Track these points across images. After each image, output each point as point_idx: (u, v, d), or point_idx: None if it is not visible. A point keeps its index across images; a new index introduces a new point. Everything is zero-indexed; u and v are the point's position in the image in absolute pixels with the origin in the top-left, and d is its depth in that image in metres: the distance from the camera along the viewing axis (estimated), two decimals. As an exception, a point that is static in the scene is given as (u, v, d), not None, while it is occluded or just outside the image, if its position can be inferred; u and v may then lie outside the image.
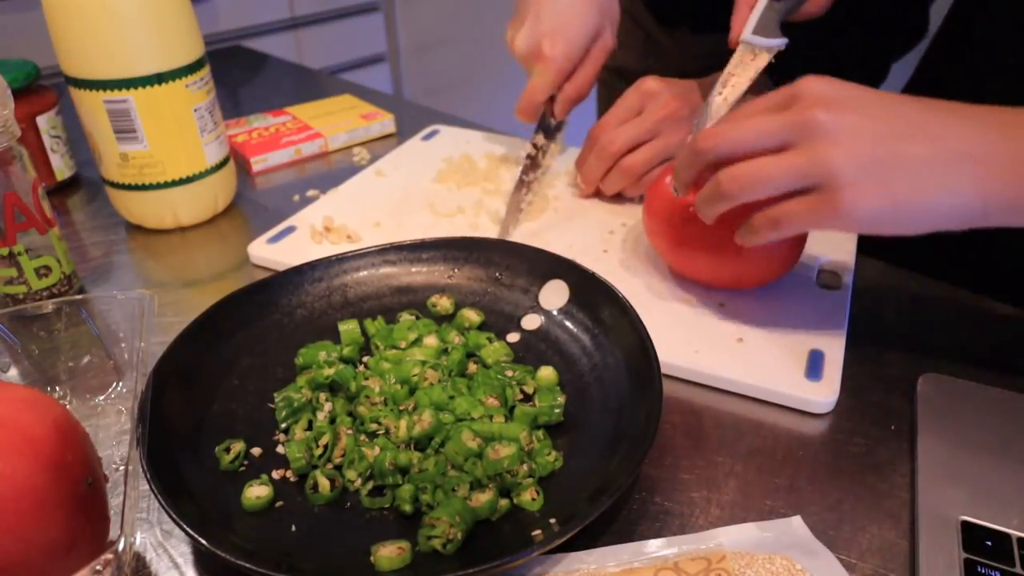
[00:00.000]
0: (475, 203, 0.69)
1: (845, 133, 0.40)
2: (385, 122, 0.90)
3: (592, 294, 0.50)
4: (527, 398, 0.46)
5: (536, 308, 0.52)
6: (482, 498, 0.39)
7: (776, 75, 0.62)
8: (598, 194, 0.70)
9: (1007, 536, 0.37)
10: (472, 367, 0.48)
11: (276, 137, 0.84)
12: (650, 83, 0.66)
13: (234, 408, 0.46)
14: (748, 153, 0.44)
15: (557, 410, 0.44)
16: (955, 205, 0.40)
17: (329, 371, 0.46)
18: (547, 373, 0.47)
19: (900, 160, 0.40)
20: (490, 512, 0.39)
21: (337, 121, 0.89)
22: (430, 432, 0.42)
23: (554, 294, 0.52)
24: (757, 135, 0.43)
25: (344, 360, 0.49)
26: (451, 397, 0.45)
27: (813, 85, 0.42)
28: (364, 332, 0.51)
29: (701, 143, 0.45)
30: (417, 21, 2.19)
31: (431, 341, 0.49)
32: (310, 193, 0.75)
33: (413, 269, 0.55)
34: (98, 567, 0.31)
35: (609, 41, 0.67)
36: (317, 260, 0.54)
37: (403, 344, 0.49)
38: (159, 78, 0.62)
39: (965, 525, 0.38)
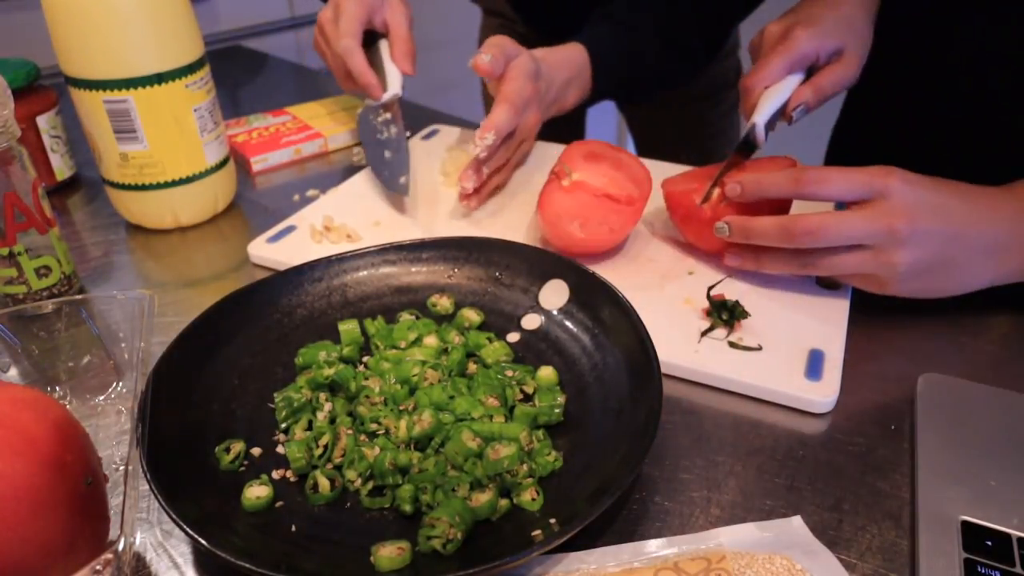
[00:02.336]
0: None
1: (914, 242, 0.48)
2: (385, 122, 0.89)
3: (592, 294, 0.50)
4: (527, 398, 0.46)
5: (536, 308, 0.52)
6: (482, 498, 0.39)
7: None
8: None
9: (1007, 536, 0.37)
10: (472, 367, 0.48)
11: (276, 137, 0.84)
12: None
13: (234, 408, 0.46)
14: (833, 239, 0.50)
15: (557, 410, 0.44)
16: (976, 284, 0.51)
17: (329, 371, 0.46)
18: (547, 373, 0.47)
19: (943, 262, 0.49)
20: (490, 512, 0.39)
21: (337, 121, 0.89)
22: (430, 432, 0.42)
23: (554, 294, 0.52)
24: (847, 236, 0.49)
25: (344, 360, 0.49)
26: (451, 397, 0.45)
27: (901, 191, 0.48)
28: (364, 332, 0.51)
29: (797, 229, 0.50)
30: (417, 21, 2.19)
31: (431, 341, 0.49)
32: (310, 193, 0.75)
33: (413, 269, 0.55)
34: (98, 567, 0.31)
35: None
36: (317, 260, 0.54)
37: (403, 344, 0.49)
38: (159, 78, 0.62)
39: (965, 525, 0.38)
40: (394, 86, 0.77)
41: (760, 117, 0.60)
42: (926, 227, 0.48)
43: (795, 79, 0.62)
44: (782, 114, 0.62)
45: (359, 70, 0.75)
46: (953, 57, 0.64)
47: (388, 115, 0.77)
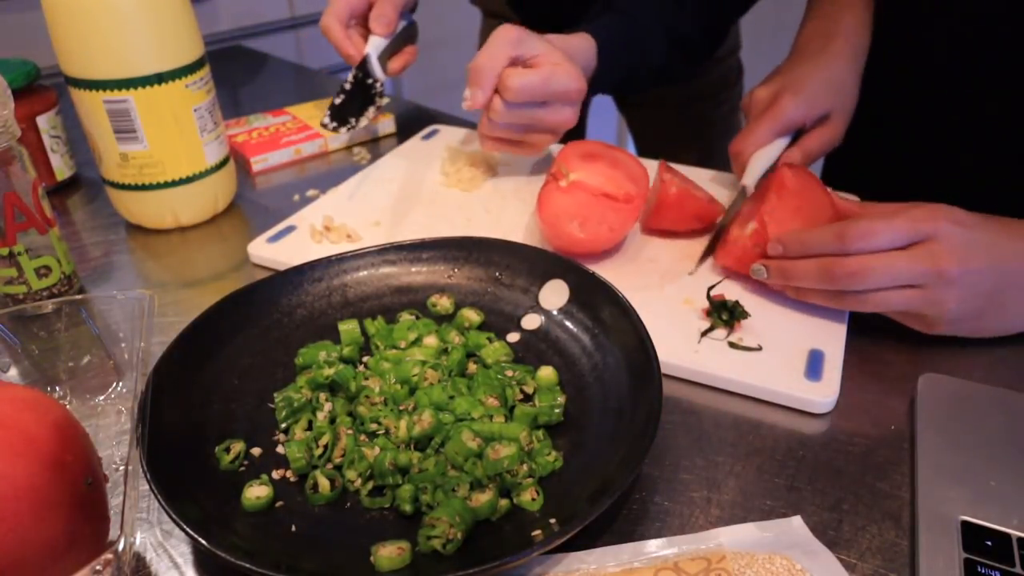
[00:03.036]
0: (477, 203, 0.69)
1: (965, 284, 0.47)
2: (385, 122, 0.90)
3: (592, 294, 0.50)
4: (527, 398, 0.46)
5: (536, 308, 0.52)
6: (482, 498, 0.39)
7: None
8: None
9: (1007, 536, 0.37)
10: (472, 367, 0.48)
11: (276, 137, 0.84)
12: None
13: (234, 408, 0.46)
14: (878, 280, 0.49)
15: (557, 410, 0.44)
16: (1020, 329, 0.50)
17: (329, 371, 0.46)
18: (547, 373, 0.47)
19: (995, 302, 0.48)
20: (490, 512, 0.39)
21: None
22: (430, 432, 0.42)
23: (554, 294, 0.52)
24: (893, 278, 0.48)
25: (344, 360, 0.49)
26: (451, 397, 0.45)
27: (950, 232, 0.47)
28: (364, 332, 0.51)
29: (840, 272, 0.49)
30: (417, 21, 2.19)
31: (431, 341, 0.49)
32: (310, 193, 0.75)
33: (413, 269, 0.55)
34: (98, 567, 0.31)
35: None
36: (317, 260, 0.54)
37: (403, 344, 0.49)
38: (159, 78, 0.62)
39: (965, 525, 0.38)
40: (368, 47, 0.80)
41: (750, 180, 0.62)
42: (977, 267, 0.47)
43: (782, 142, 0.64)
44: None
45: (336, 41, 0.79)
46: (952, 67, 0.64)
47: (359, 72, 0.80)
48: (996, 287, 0.47)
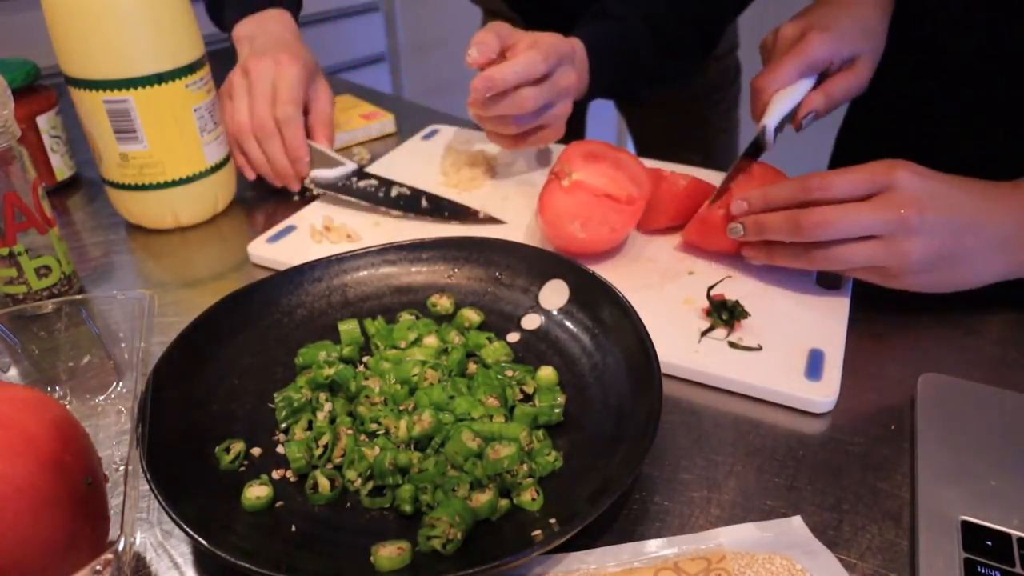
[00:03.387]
0: (477, 203, 0.69)
1: (925, 231, 0.48)
2: (385, 122, 0.90)
3: (592, 294, 0.50)
4: (527, 398, 0.46)
5: (536, 308, 0.52)
6: (482, 498, 0.39)
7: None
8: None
9: (1007, 536, 0.37)
10: (472, 367, 0.48)
11: None
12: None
13: (234, 408, 0.46)
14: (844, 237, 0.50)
15: (557, 410, 0.44)
16: (988, 277, 0.50)
17: (329, 371, 0.46)
18: (547, 373, 0.47)
19: (955, 253, 0.49)
20: (490, 512, 0.39)
21: (337, 121, 0.89)
22: (430, 432, 0.42)
23: (554, 294, 0.52)
24: (856, 227, 0.49)
25: (344, 360, 0.49)
26: (451, 397, 0.45)
27: (908, 181, 0.48)
28: (364, 332, 0.51)
29: (806, 222, 0.50)
30: (417, 21, 2.19)
31: (431, 341, 0.49)
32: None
33: (413, 269, 0.55)
34: (98, 567, 0.31)
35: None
36: (317, 260, 0.54)
37: (403, 344, 0.49)
38: (159, 78, 0.62)
39: (965, 525, 0.38)
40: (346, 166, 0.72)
41: (771, 120, 0.60)
42: (935, 216, 0.48)
43: (807, 83, 0.62)
44: (791, 119, 0.61)
45: (296, 143, 0.69)
46: (959, 60, 0.64)
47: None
48: (956, 238, 0.48)
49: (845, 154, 0.82)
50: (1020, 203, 0.49)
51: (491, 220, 0.67)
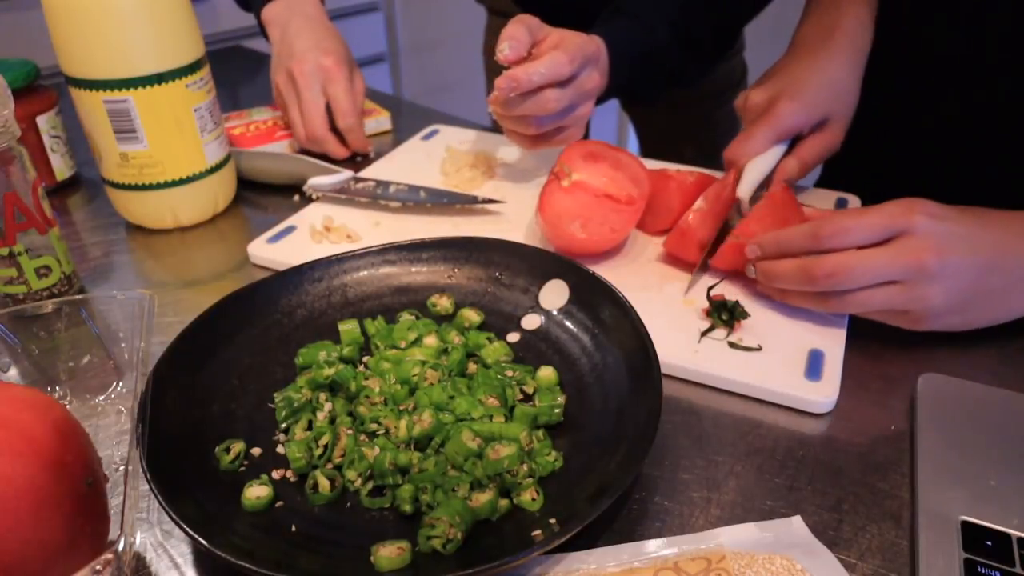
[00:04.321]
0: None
1: (947, 276, 0.46)
2: (381, 119, 0.90)
3: (592, 294, 0.50)
4: (527, 398, 0.46)
5: (536, 308, 0.52)
6: (482, 498, 0.39)
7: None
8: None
9: (1007, 536, 0.37)
10: (472, 367, 0.48)
11: (271, 131, 0.85)
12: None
13: (234, 408, 0.46)
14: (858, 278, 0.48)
15: (557, 410, 0.44)
16: (1018, 313, 0.49)
17: (329, 371, 0.46)
18: (547, 373, 0.47)
19: (981, 294, 0.47)
20: (490, 512, 0.39)
21: (333, 117, 0.89)
22: (430, 432, 0.42)
23: (554, 294, 0.52)
24: (873, 275, 0.47)
25: (344, 360, 0.49)
26: (451, 397, 0.45)
27: (926, 225, 0.46)
28: (364, 332, 0.51)
29: (818, 272, 0.48)
30: (417, 21, 2.19)
31: (431, 341, 0.49)
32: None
33: (413, 269, 0.55)
34: (98, 567, 0.31)
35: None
36: (317, 260, 0.54)
37: (403, 344, 0.49)
38: (159, 78, 0.62)
39: (965, 525, 0.38)
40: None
41: (744, 192, 0.60)
42: (957, 258, 0.46)
43: (779, 149, 0.62)
44: (766, 186, 0.61)
45: (359, 144, 0.80)
46: (950, 65, 0.64)
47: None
48: (980, 278, 0.47)
49: (839, 162, 0.82)
50: None
51: (489, 201, 0.68)
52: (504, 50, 0.62)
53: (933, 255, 0.46)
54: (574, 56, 0.63)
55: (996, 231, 0.48)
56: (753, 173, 0.61)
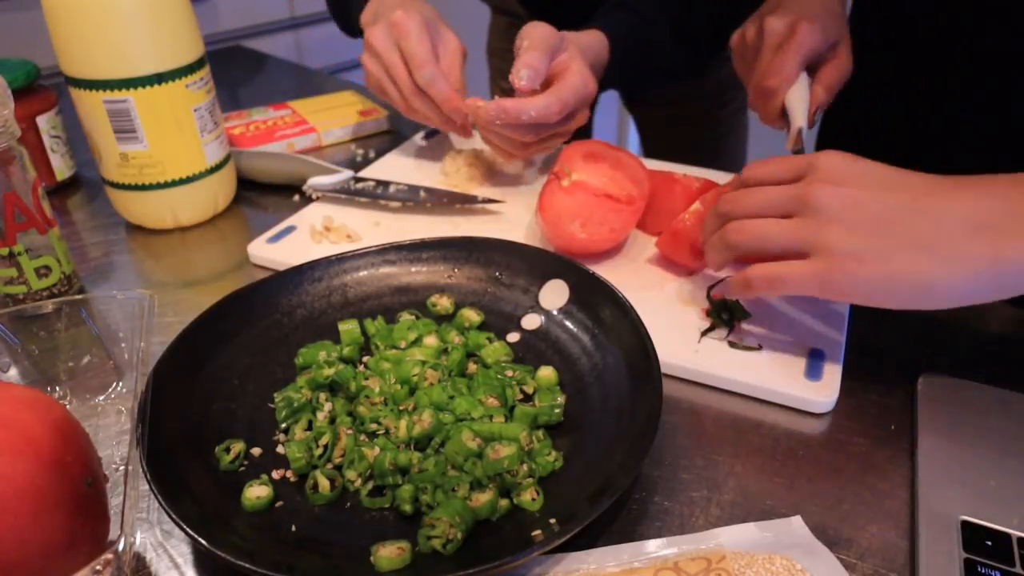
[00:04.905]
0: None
1: (846, 209, 0.42)
2: (380, 119, 0.90)
3: (592, 294, 0.50)
4: (527, 398, 0.46)
5: (536, 308, 0.52)
6: (482, 498, 0.39)
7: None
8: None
9: (1007, 536, 0.37)
10: (472, 367, 0.48)
11: (271, 131, 0.85)
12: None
13: (234, 408, 0.46)
14: (758, 215, 0.47)
15: (557, 410, 0.44)
16: (961, 279, 0.40)
17: (329, 371, 0.46)
18: (547, 373, 0.47)
19: (900, 237, 0.41)
20: (490, 512, 0.39)
21: (336, 116, 0.89)
22: (430, 432, 0.42)
23: (554, 294, 0.52)
24: (768, 204, 0.46)
25: (344, 360, 0.49)
26: (451, 397, 0.45)
27: (826, 159, 0.45)
28: (364, 332, 0.51)
29: (721, 207, 0.49)
30: (417, 21, 2.19)
31: (431, 341, 0.49)
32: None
33: (413, 269, 0.55)
34: (98, 567, 0.31)
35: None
36: (317, 260, 0.54)
37: (403, 344, 0.49)
38: (159, 78, 0.62)
39: (965, 525, 0.38)
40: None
41: (803, 121, 0.59)
42: (855, 194, 0.42)
43: (805, 78, 0.61)
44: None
45: (444, 98, 0.67)
46: (938, 51, 0.64)
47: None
48: (902, 221, 0.41)
49: (833, 133, 0.82)
50: (1004, 188, 0.41)
51: (489, 201, 0.67)
52: (522, 78, 0.61)
53: (825, 186, 0.43)
54: (565, 103, 0.62)
55: (932, 180, 0.43)
56: (798, 104, 0.60)
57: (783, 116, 0.61)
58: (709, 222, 0.51)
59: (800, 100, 0.60)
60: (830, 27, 0.61)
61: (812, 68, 0.62)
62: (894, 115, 0.72)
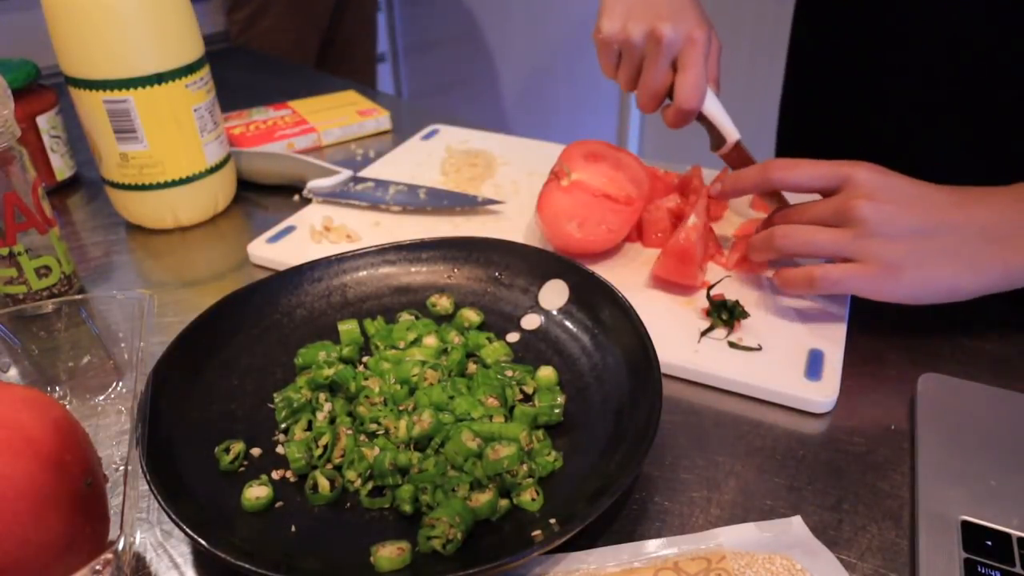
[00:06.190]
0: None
1: (884, 223, 0.47)
2: (380, 119, 0.90)
3: (592, 294, 0.50)
4: (527, 398, 0.46)
5: (536, 308, 0.52)
6: (482, 498, 0.39)
7: None
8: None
9: (1007, 536, 0.37)
10: (472, 367, 0.48)
11: (271, 130, 0.85)
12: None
13: (234, 408, 0.46)
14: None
15: (557, 410, 0.44)
16: (981, 281, 0.47)
17: (329, 371, 0.46)
18: (547, 373, 0.47)
19: (931, 247, 0.47)
20: (490, 512, 0.39)
21: (333, 116, 0.89)
22: (430, 432, 0.42)
23: (554, 294, 0.52)
24: (814, 218, 0.51)
25: (344, 360, 0.49)
26: (451, 397, 0.45)
27: (863, 175, 0.49)
28: (364, 332, 0.51)
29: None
30: (417, 21, 2.19)
31: (431, 341, 0.49)
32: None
33: (413, 269, 0.55)
34: (98, 567, 0.31)
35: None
36: (317, 260, 0.54)
37: (403, 344, 0.49)
38: (159, 78, 0.62)
39: (965, 525, 0.38)
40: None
41: (734, 131, 0.61)
42: (893, 210, 0.47)
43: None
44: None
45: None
46: (897, 37, 0.65)
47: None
48: (930, 235, 0.47)
49: (793, 140, 0.82)
50: (1007, 200, 0.47)
51: (489, 201, 0.68)
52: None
53: (865, 201, 0.48)
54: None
55: (951, 194, 0.48)
56: (722, 115, 0.61)
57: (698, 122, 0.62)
58: (761, 245, 0.54)
59: (720, 110, 0.61)
60: (704, 20, 0.60)
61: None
62: (850, 107, 0.73)
